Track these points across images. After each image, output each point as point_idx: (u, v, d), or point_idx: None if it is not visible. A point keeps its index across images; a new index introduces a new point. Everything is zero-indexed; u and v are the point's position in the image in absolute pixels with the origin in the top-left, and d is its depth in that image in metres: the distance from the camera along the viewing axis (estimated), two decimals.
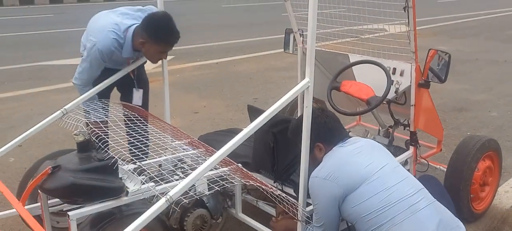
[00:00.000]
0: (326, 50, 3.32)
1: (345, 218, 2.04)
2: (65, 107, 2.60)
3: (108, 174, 2.04)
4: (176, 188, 1.74)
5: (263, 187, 2.16)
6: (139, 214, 2.14)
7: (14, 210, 2.38)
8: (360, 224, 1.95)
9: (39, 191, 2.10)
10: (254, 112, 2.57)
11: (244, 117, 4.78)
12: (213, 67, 7.89)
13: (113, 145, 2.18)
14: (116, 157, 2.05)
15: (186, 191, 2.14)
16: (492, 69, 7.46)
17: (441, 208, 1.99)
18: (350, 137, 2.20)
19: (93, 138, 2.12)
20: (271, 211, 2.53)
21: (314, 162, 2.14)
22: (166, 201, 1.71)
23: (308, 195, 2.20)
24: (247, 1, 17.45)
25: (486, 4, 16.65)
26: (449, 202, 2.34)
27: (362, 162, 2.02)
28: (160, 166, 2.49)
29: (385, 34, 3.22)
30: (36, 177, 1.98)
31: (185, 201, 2.00)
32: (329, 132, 2.12)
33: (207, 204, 2.38)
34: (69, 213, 1.90)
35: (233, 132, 3.09)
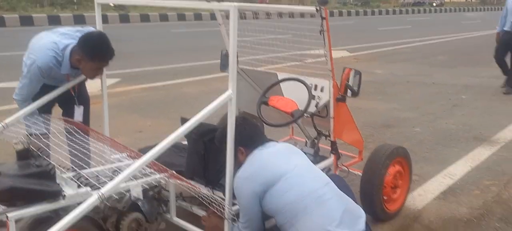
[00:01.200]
0: (257, 69, 3.65)
1: (266, 212, 2.31)
2: (5, 121, 2.72)
3: (46, 179, 2.21)
4: (108, 185, 1.94)
5: (193, 188, 2.40)
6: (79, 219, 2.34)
7: None
8: (279, 216, 2.23)
9: None
10: (185, 122, 2.81)
11: None
12: (160, 89, 8.06)
13: (53, 154, 2.35)
14: (54, 164, 2.22)
15: (122, 196, 2.36)
16: (420, 90, 8.11)
17: (345, 198, 2.33)
18: (270, 141, 2.50)
19: (32, 147, 2.28)
20: (204, 214, 2.75)
21: (238, 164, 2.41)
22: (98, 197, 1.90)
23: (234, 196, 2.46)
24: (194, 26, 17.78)
25: (421, 32, 17.90)
26: (352, 195, 2.64)
27: (278, 162, 2.32)
28: (97, 175, 2.66)
29: (308, 57, 3.61)
30: None
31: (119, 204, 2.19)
32: (249, 137, 2.41)
33: (142, 208, 2.57)
34: (8, 214, 2.05)
35: (174, 145, 3.32)
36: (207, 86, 8.24)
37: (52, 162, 2.24)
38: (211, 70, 9.54)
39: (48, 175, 2.22)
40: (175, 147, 3.29)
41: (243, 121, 2.50)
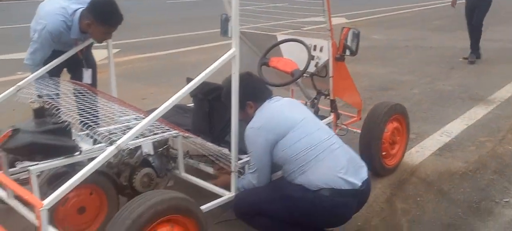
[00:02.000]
0: (257, 32, 3.73)
1: (276, 162, 2.42)
2: (18, 84, 2.83)
3: (63, 135, 2.34)
4: (124, 137, 2.07)
5: (201, 144, 2.53)
6: (92, 173, 2.47)
7: None
8: (289, 164, 2.36)
9: (0, 153, 2.35)
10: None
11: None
12: (162, 59, 8.13)
13: (66, 112, 2.47)
14: (69, 121, 2.35)
15: (134, 152, 2.49)
16: (418, 54, 8.20)
17: (349, 149, 2.49)
18: (275, 95, 2.61)
19: (47, 106, 2.40)
20: (211, 171, 2.89)
21: (246, 118, 2.52)
22: (115, 147, 2.03)
23: (239, 151, 2.59)
24: None
25: None
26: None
27: (288, 113, 2.46)
28: (109, 134, 2.78)
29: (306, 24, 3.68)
30: None
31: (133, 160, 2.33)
32: (257, 91, 2.52)
33: (152, 164, 2.71)
34: (30, 167, 2.19)
35: (180, 107, 3.45)
36: (207, 55, 8.31)
37: (67, 119, 2.36)
38: (209, 40, 9.59)
39: (65, 131, 2.34)
40: (180, 108, 3.41)
41: (249, 76, 2.60)
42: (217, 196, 2.61)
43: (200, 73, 2.49)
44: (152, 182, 2.71)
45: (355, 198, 2.35)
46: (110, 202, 2.58)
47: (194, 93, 2.87)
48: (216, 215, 2.80)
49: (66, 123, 2.35)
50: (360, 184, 2.35)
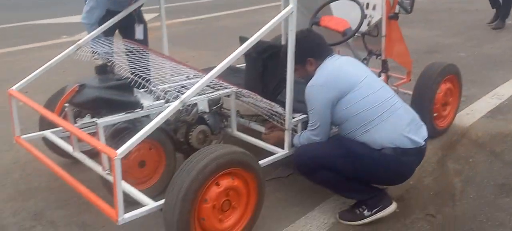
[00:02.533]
0: None
1: (336, 120, 2.41)
2: (78, 42, 2.92)
3: (126, 91, 2.41)
4: (187, 93, 2.11)
5: (257, 101, 2.55)
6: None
7: (42, 132, 2.76)
8: (350, 122, 2.35)
9: (67, 108, 2.45)
10: (245, 41, 2.92)
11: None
12: (198, 23, 8.16)
13: (127, 69, 2.54)
14: (132, 77, 2.41)
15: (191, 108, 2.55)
16: (463, 17, 7.91)
17: (409, 108, 2.48)
18: (335, 53, 2.59)
19: (109, 63, 2.47)
20: (262, 130, 2.93)
21: (306, 75, 2.50)
22: (179, 102, 2.08)
23: (293, 110, 2.60)
24: None
25: None
26: None
27: (351, 71, 2.43)
28: (165, 92, 2.85)
29: None
30: (65, 94, 2.33)
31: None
32: (318, 48, 2.49)
33: (207, 121, 2.76)
34: (97, 121, 2.27)
35: (229, 67, 3.47)
36: (246, 19, 8.28)
37: (130, 76, 2.42)
38: (249, 3, 9.53)
39: (128, 87, 2.42)
40: (229, 69, 3.43)
41: (310, 32, 2.57)
42: (268, 153, 2.66)
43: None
44: (207, 139, 2.77)
45: (418, 156, 2.36)
46: (168, 157, 2.66)
47: (247, 52, 2.87)
48: (268, 172, 2.86)
49: (128, 79, 2.41)
50: (423, 142, 2.34)
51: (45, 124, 2.85)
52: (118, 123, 2.42)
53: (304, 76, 2.52)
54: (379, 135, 2.29)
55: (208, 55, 5.88)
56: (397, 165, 2.30)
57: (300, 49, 2.46)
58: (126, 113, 2.37)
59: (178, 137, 2.70)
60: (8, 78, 4.90)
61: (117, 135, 2.45)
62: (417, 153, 2.34)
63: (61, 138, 2.76)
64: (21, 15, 8.42)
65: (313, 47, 2.48)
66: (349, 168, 2.30)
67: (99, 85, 2.36)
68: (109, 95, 2.32)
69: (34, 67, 5.20)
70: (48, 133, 2.79)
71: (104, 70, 2.45)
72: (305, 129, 2.55)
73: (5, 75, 5.03)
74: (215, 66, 2.27)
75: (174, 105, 2.06)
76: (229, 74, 3.33)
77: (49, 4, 9.60)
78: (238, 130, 2.96)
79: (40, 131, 2.87)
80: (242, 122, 3.04)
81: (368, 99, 2.33)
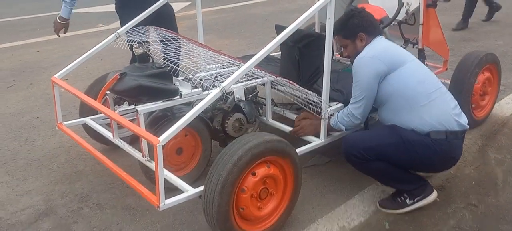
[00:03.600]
0: None
1: (380, 97, 2.39)
2: (117, 31, 2.99)
3: (165, 79, 2.46)
4: (227, 81, 2.14)
5: (291, 85, 2.55)
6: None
7: (82, 119, 2.86)
8: (396, 99, 2.34)
9: (108, 96, 2.53)
10: (281, 29, 2.92)
11: None
12: (229, 11, 8.18)
13: (165, 57, 2.59)
14: (171, 66, 2.46)
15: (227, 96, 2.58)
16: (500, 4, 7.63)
17: (452, 96, 2.45)
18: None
19: (148, 52, 2.52)
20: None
21: (354, 52, 2.49)
22: (220, 90, 2.11)
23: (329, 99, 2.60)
24: None
25: None
26: None
27: (400, 50, 2.46)
28: (201, 79, 2.89)
29: None
30: (107, 82, 2.40)
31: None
32: (371, 24, 2.49)
33: (243, 109, 2.79)
34: (138, 108, 2.33)
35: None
36: (275, 7, 8.26)
37: (168, 64, 2.47)
38: None
39: (167, 75, 2.46)
40: (264, 57, 3.43)
41: (363, 9, 2.57)
42: (303, 142, 2.66)
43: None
44: (243, 127, 2.80)
45: (463, 140, 2.36)
46: (204, 144, 2.71)
47: (283, 41, 2.88)
48: (305, 160, 2.87)
49: (168, 68, 2.46)
50: (467, 125, 2.35)
51: (85, 110, 2.95)
52: (157, 110, 2.47)
53: (351, 54, 2.51)
54: (428, 115, 2.27)
55: (241, 44, 5.91)
56: (450, 148, 2.29)
57: (353, 24, 2.46)
58: (165, 101, 2.42)
59: (214, 124, 2.75)
60: (48, 66, 5.08)
61: (156, 123, 2.51)
62: (463, 136, 2.35)
63: (101, 124, 2.85)
64: (58, 4, 8.65)
65: (367, 23, 2.48)
66: (403, 157, 2.29)
67: (140, 73, 2.41)
68: (150, 83, 2.37)
69: (73, 55, 5.45)
70: (88, 120, 2.88)
71: (144, 58, 2.51)
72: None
73: (46, 63, 5.21)
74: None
75: (214, 93, 2.09)
76: (264, 62, 3.33)
77: None
78: (273, 118, 2.98)
79: (80, 117, 2.97)
80: (277, 110, 3.05)
81: (416, 77, 2.33)
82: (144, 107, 2.35)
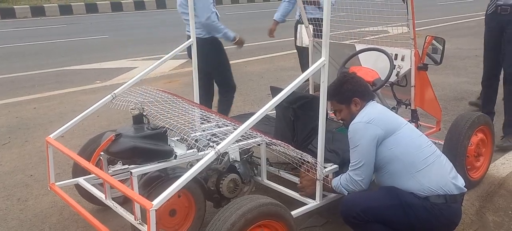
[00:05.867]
0: (335, 42, 3.75)
1: (379, 162, 2.39)
2: (114, 92, 3.03)
3: (160, 140, 2.47)
4: (222, 143, 2.15)
5: (286, 147, 2.56)
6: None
7: (75, 179, 2.84)
8: (394, 165, 2.35)
9: (102, 157, 2.52)
10: (276, 91, 2.97)
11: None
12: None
13: (161, 118, 2.61)
14: (166, 127, 2.48)
15: (222, 157, 2.58)
16: None
17: (447, 159, 2.47)
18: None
19: (144, 113, 2.55)
20: (292, 178, 2.92)
21: (349, 116, 2.53)
22: (215, 153, 2.12)
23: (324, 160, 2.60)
24: (249, 8, 17.97)
25: (484, 6, 16.99)
26: None
27: (393, 115, 2.51)
28: (196, 140, 2.89)
29: (386, 32, 3.66)
30: (102, 143, 2.40)
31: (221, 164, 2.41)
32: (364, 89, 2.55)
33: (238, 170, 2.78)
34: (132, 170, 2.33)
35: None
36: (270, 64, 8.41)
37: (164, 125, 2.49)
38: (272, 50, 9.69)
39: (162, 136, 2.48)
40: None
41: (355, 75, 2.63)
42: (299, 202, 2.64)
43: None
44: (237, 188, 2.78)
45: (461, 203, 2.35)
46: (198, 205, 2.67)
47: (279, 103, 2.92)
48: (301, 221, 2.83)
49: (163, 129, 2.48)
50: (465, 188, 2.36)
51: (79, 170, 2.93)
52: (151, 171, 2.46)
53: (346, 118, 2.55)
54: (427, 180, 2.28)
55: (237, 100, 5.93)
56: (448, 212, 2.29)
57: (347, 89, 2.52)
58: (159, 162, 2.42)
59: (209, 185, 2.73)
60: (44, 122, 5.09)
61: (149, 184, 2.49)
62: (461, 200, 2.36)
63: (94, 185, 2.82)
64: (57, 61, 8.80)
65: (360, 88, 2.53)
66: (402, 220, 2.27)
67: (135, 134, 2.42)
68: (145, 145, 2.38)
69: (69, 112, 5.47)
70: (81, 180, 2.86)
71: (140, 119, 2.53)
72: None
73: (43, 120, 5.22)
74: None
75: (209, 156, 2.10)
76: (259, 121, 3.38)
77: (78, 51, 10.01)
78: (268, 178, 2.97)
79: (73, 176, 2.95)
80: (272, 170, 3.05)
81: (413, 141, 2.35)
82: (138, 169, 2.35)
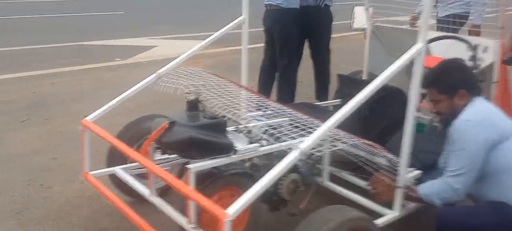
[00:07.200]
0: (399, 27, 3.35)
1: (488, 169, 2.01)
2: (158, 71, 2.65)
3: (219, 131, 2.09)
4: (307, 142, 1.78)
5: (359, 144, 2.18)
6: (238, 175, 2.23)
7: (112, 168, 2.48)
8: (506, 175, 1.97)
9: (149, 146, 2.16)
10: (346, 81, 2.60)
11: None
12: (251, 52, 7.90)
13: (221, 106, 2.24)
14: (226, 117, 2.10)
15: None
16: None
17: None
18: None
19: (200, 98, 2.17)
20: (355, 181, 2.55)
21: (448, 109, 2.13)
22: (299, 153, 1.75)
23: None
24: None
25: None
26: None
27: (505, 116, 2.09)
28: (249, 132, 2.52)
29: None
30: (154, 132, 2.03)
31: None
32: (473, 81, 2.14)
33: (301, 170, 2.41)
34: (189, 166, 1.96)
35: (307, 106, 3.14)
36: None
37: (224, 114, 2.12)
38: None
39: (221, 127, 2.10)
40: (308, 107, 3.09)
41: (461, 61, 2.22)
42: (363, 209, 2.27)
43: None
44: (297, 189, 2.41)
45: None
46: (252, 208, 2.30)
47: (348, 93, 2.54)
48: None
49: (223, 118, 2.11)
50: None
51: (116, 158, 2.58)
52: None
53: (444, 112, 2.15)
54: None
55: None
56: None
57: (453, 78, 2.12)
58: (220, 157, 2.05)
59: None
60: (65, 100, 4.73)
61: (202, 183, 2.12)
62: None
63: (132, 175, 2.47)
64: (72, 36, 8.42)
65: (469, 79, 2.13)
66: None
67: (191, 123, 2.05)
68: (203, 136, 2.01)
69: (91, 90, 5.10)
70: (118, 170, 2.51)
71: (195, 106, 2.15)
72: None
73: (63, 96, 4.86)
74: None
75: (292, 156, 1.73)
76: (312, 112, 3.00)
77: (98, 27, 9.64)
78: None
79: (108, 166, 2.60)
80: (335, 171, 2.67)
81: None
82: (198, 165, 1.98)
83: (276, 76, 4.19)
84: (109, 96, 2.63)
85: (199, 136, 1.99)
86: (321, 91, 4.29)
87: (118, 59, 6.72)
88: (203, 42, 2.93)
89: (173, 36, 8.65)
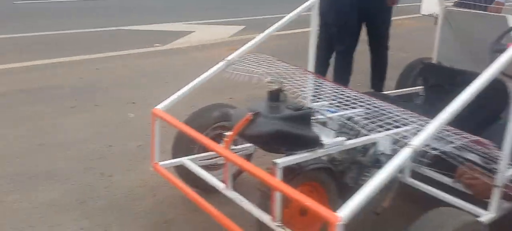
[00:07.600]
0: (474, 11, 3.12)
1: None
2: (227, 58, 2.52)
3: (305, 123, 1.95)
4: (420, 137, 1.62)
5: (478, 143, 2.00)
6: (319, 169, 2.09)
7: (179, 159, 2.39)
8: None
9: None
10: (431, 69, 2.41)
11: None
12: (288, 38, 7.67)
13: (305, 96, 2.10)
14: (312, 108, 1.96)
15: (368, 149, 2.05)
16: None
17: None
18: None
19: (283, 88, 2.03)
20: (437, 177, 2.38)
21: None
22: (412, 150, 1.59)
23: None
24: None
25: None
26: None
27: None
28: (324, 123, 2.37)
29: None
30: (238, 124, 1.90)
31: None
32: None
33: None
34: (276, 160, 1.83)
35: (375, 95, 2.95)
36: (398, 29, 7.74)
37: (307, 105, 1.97)
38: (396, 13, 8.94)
39: (306, 119, 1.96)
40: (376, 96, 2.90)
41: None
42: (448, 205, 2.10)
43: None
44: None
45: None
46: (331, 204, 2.17)
47: (438, 82, 2.35)
48: None
49: (309, 110, 1.96)
50: None
51: (183, 148, 2.47)
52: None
53: None
54: None
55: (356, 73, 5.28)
56: None
57: None
58: (307, 152, 1.91)
59: (347, 180, 2.22)
60: (111, 86, 4.66)
61: (286, 176, 1.98)
62: None
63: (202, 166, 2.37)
64: (113, 20, 8.39)
65: None
66: None
67: (275, 115, 1.91)
68: (289, 129, 1.87)
69: (135, 76, 5.02)
70: (186, 161, 2.41)
71: (277, 96, 2.00)
72: None
73: (108, 82, 4.80)
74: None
75: (405, 154, 1.57)
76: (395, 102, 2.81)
77: (134, 11, 9.58)
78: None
79: (173, 156, 2.50)
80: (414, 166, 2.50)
81: None
82: (286, 159, 1.85)
83: (331, 62, 4.04)
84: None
85: (286, 129, 1.86)
86: (378, 80, 4.10)
87: (157, 44, 6.64)
88: (273, 27, 2.80)
89: (210, 21, 8.52)
